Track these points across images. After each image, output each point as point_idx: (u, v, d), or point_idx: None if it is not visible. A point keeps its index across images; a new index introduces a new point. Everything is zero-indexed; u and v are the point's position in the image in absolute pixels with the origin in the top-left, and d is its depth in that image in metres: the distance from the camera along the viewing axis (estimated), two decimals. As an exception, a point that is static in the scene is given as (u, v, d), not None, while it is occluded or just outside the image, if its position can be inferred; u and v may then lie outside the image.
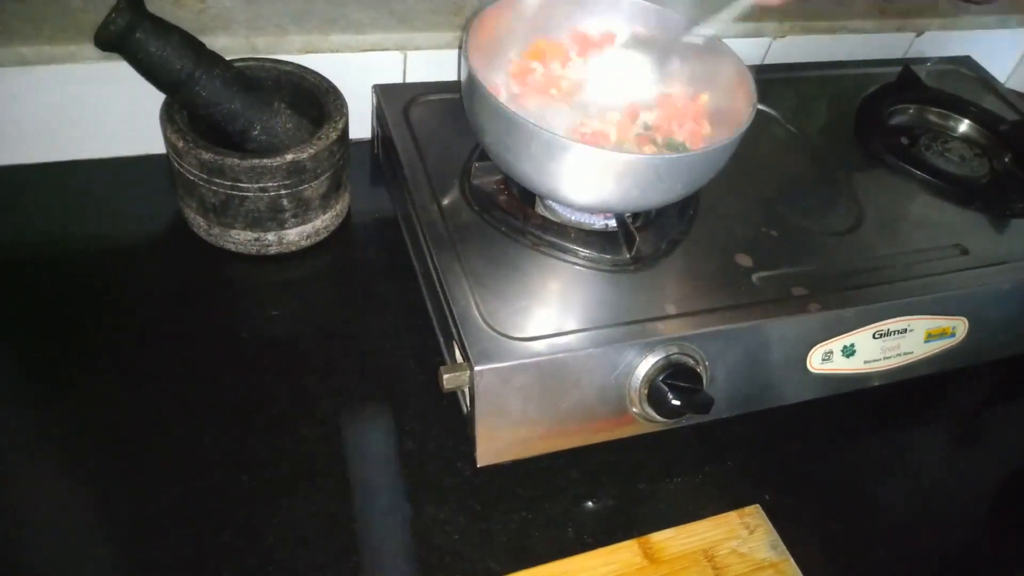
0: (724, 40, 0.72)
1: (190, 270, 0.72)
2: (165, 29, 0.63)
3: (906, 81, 0.95)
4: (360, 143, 0.84)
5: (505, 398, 0.60)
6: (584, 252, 0.68)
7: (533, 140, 0.61)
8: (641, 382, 0.62)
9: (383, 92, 0.81)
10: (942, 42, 1.06)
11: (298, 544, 0.57)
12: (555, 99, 0.71)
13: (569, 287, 0.67)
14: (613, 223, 0.70)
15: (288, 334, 0.69)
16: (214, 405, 0.63)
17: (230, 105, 0.67)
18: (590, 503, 0.63)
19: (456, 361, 0.61)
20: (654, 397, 0.62)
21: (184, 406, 0.62)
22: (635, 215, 0.70)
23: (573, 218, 0.70)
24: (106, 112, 0.76)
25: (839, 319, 0.68)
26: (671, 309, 0.65)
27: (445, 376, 0.58)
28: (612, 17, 0.76)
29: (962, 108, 0.94)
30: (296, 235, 0.73)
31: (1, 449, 0.59)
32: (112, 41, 0.62)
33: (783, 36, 0.97)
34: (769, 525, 0.63)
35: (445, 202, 0.70)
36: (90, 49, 0.69)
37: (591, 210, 0.69)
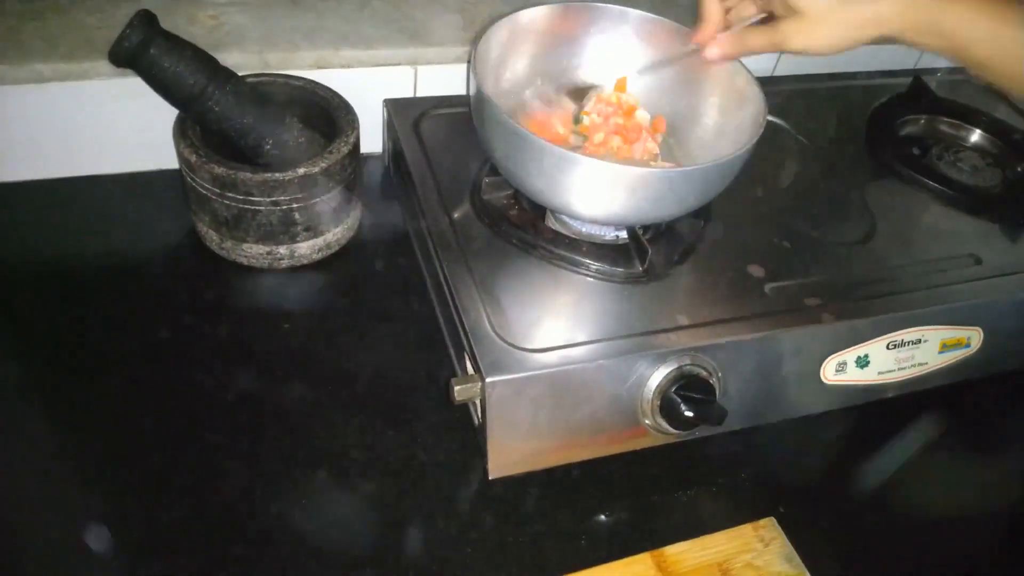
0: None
1: (202, 284, 0.72)
2: (179, 45, 0.64)
3: (917, 91, 0.95)
4: (371, 157, 0.84)
5: (517, 410, 0.60)
6: (595, 265, 0.68)
7: (543, 155, 0.61)
8: (653, 393, 0.62)
9: (394, 107, 0.81)
10: (952, 52, 1.05)
11: (310, 556, 0.57)
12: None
13: (580, 299, 0.67)
14: (624, 235, 0.70)
15: (300, 347, 0.69)
16: (225, 417, 0.63)
17: (242, 120, 0.68)
18: (603, 516, 0.63)
19: (468, 373, 0.61)
20: (667, 409, 0.61)
21: (195, 418, 0.63)
22: (646, 227, 0.70)
23: (584, 231, 0.70)
24: (120, 128, 0.76)
25: (852, 330, 0.67)
26: (683, 320, 0.64)
27: (457, 388, 0.58)
28: (621, 30, 0.76)
29: (973, 118, 0.93)
30: (308, 248, 0.73)
31: (13, 462, 0.59)
32: (126, 57, 0.62)
33: (792, 48, 0.97)
34: (784, 538, 0.62)
35: (456, 215, 0.71)
36: (105, 65, 0.70)
37: (602, 223, 0.70)
